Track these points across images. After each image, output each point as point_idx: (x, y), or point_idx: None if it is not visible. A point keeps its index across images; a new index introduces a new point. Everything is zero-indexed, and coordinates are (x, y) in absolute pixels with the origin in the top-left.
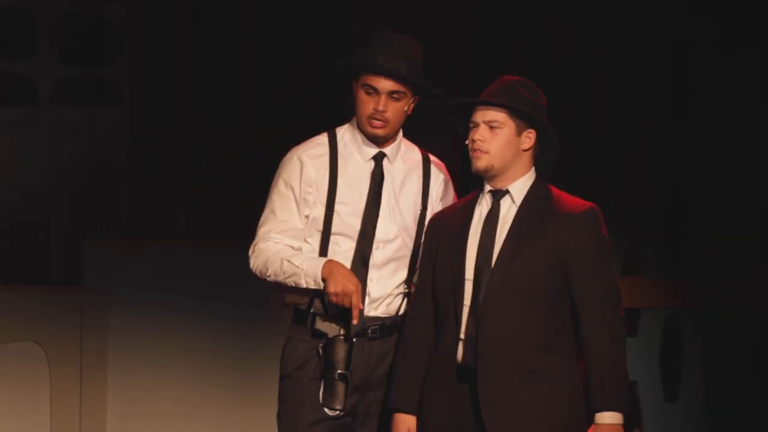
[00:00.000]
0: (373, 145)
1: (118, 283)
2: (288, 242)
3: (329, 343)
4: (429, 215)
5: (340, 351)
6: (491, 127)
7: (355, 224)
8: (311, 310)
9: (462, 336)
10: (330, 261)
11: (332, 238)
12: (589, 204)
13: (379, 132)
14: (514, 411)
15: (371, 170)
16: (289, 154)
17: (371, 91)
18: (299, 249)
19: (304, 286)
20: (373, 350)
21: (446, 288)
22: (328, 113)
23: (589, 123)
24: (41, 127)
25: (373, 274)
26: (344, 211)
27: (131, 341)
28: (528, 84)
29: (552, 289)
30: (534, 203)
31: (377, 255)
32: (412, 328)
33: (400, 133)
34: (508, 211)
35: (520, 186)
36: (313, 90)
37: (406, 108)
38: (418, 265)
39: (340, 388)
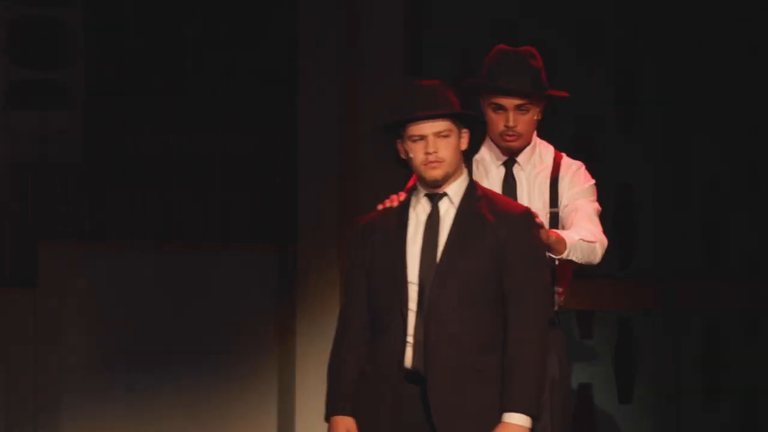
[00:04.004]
0: (507, 153)
1: (72, 284)
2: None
3: None
4: (561, 215)
5: None
6: (442, 137)
7: None
8: None
9: (410, 340)
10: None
11: None
12: (524, 206)
13: (513, 145)
14: (463, 412)
15: (503, 176)
16: None
17: (499, 108)
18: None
19: None
20: None
21: (386, 293)
22: (292, 115)
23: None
24: None
25: None
26: None
27: (85, 343)
28: (444, 84)
29: (495, 289)
30: (471, 204)
31: None
32: (346, 335)
33: (535, 137)
34: (446, 212)
35: (456, 188)
36: (274, 91)
37: (535, 117)
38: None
39: None
